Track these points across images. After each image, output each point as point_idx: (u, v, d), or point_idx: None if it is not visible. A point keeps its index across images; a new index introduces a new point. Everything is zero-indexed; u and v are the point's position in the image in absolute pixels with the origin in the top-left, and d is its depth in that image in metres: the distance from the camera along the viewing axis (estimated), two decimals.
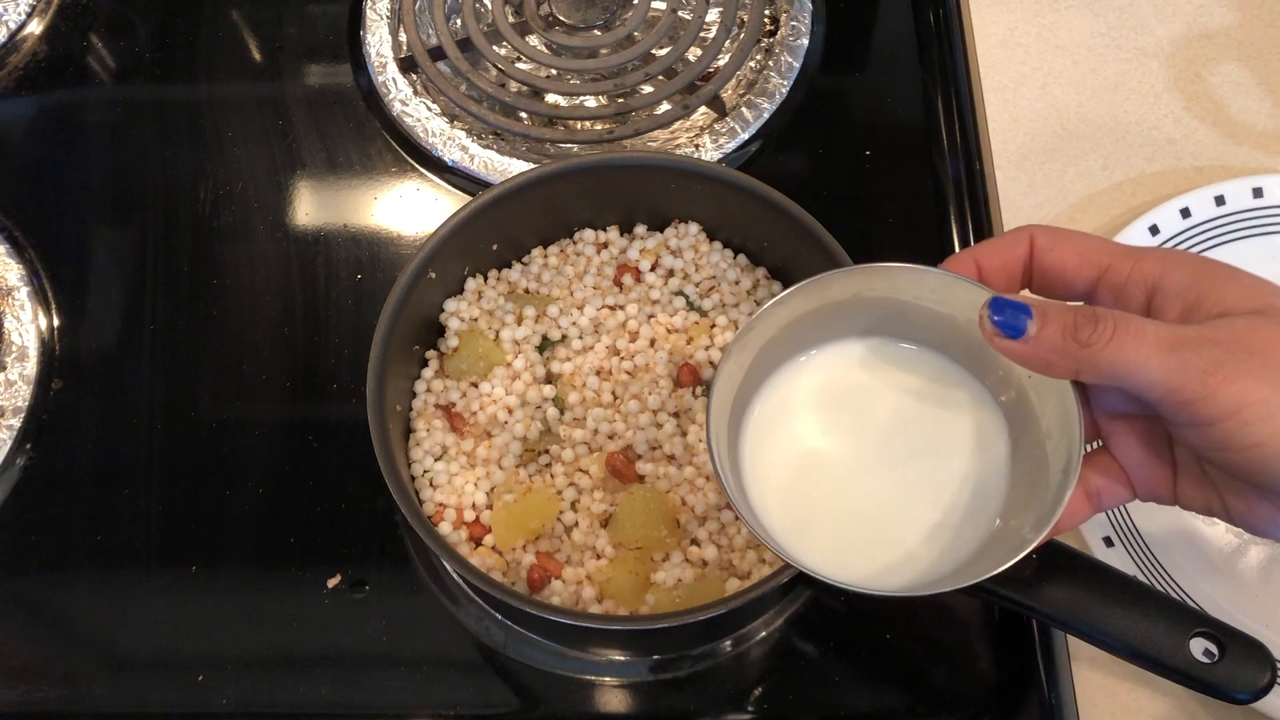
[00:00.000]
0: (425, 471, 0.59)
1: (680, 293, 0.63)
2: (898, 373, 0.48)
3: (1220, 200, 0.66)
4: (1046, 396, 0.44)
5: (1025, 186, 0.70)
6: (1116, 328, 0.39)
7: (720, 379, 0.46)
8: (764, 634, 0.59)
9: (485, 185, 0.70)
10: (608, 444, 0.59)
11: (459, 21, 0.77)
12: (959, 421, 0.48)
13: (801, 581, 0.57)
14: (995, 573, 0.42)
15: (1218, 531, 0.60)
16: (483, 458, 0.59)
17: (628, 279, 0.64)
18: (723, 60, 0.74)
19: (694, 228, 0.64)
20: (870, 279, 0.46)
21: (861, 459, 0.48)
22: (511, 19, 0.76)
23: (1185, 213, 0.66)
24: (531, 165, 0.69)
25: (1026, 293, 0.44)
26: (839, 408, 0.49)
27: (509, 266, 0.65)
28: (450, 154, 0.71)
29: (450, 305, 0.63)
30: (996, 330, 0.40)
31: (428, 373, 0.62)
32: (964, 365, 0.48)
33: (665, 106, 0.73)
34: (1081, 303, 0.43)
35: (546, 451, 0.59)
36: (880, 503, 0.47)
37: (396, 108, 0.73)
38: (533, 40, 0.76)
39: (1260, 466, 0.38)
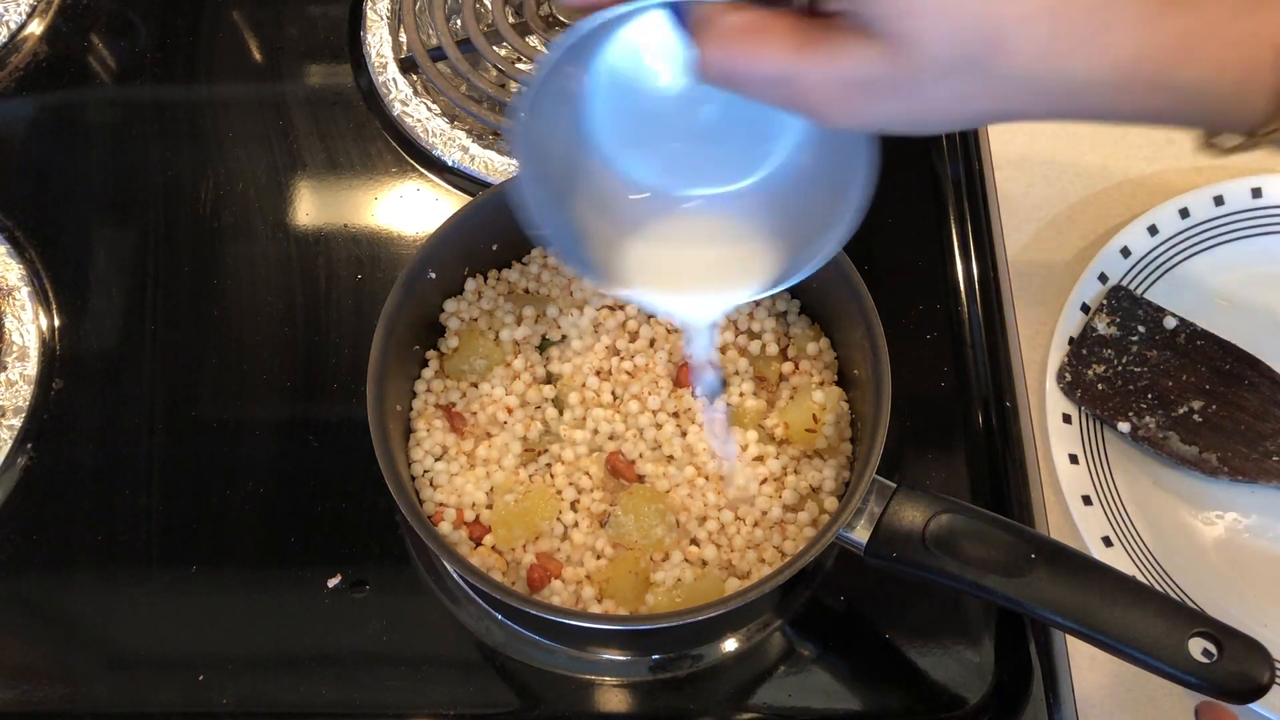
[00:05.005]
0: (425, 471, 0.59)
1: None
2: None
3: (1219, 200, 0.66)
4: None
5: (1025, 186, 0.70)
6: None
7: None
8: (764, 634, 0.60)
9: (485, 185, 0.70)
10: (608, 444, 0.59)
11: (459, 22, 0.77)
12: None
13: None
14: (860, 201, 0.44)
15: (1218, 532, 0.61)
16: (483, 458, 0.59)
17: None
18: None
19: None
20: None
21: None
22: (512, 19, 0.76)
23: (1184, 213, 0.66)
24: None
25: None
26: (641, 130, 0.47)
27: (509, 267, 0.65)
28: (450, 154, 0.71)
29: (450, 305, 0.63)
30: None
31: (428, 373, 0.62)
32: None
33: None
34: None
35: (546, 451, 0.59)
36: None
37: (397, 108, 0.73)
38: (533, 41, 0.76)
39: None
